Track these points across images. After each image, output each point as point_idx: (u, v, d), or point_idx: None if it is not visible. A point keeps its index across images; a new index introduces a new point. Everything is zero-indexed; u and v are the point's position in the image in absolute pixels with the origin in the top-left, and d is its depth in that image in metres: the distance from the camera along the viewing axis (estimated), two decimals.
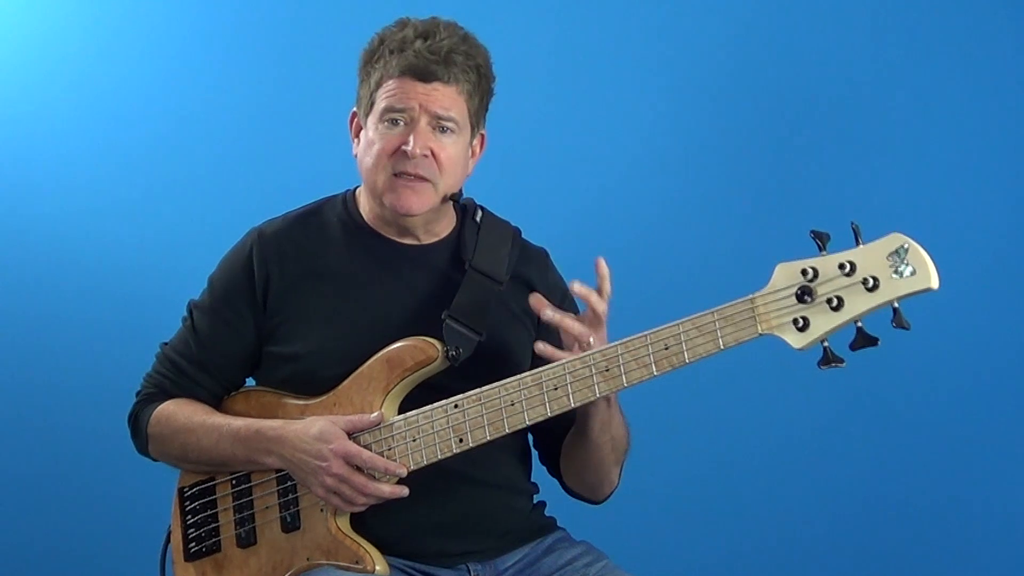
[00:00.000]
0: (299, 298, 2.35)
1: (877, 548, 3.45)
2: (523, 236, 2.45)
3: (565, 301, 2.41)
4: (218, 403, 2.41)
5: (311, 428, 2.24)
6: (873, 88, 3.49)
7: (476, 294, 2.32)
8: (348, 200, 2.43)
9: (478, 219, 2.40)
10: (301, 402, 2.34)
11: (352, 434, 2.24)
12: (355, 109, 2.37)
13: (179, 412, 2.37)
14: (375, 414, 2.24)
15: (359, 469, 2.21)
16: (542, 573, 2.34)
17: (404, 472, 2.22)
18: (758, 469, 3.50)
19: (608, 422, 2.27)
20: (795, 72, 3.53)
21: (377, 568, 2.25)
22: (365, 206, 2.40)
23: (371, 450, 2.23)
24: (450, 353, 2.26)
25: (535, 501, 2.45)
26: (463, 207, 2.42)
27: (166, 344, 2.45)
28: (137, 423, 2.44)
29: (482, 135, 2.40)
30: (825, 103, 3.53)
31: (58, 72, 3.74)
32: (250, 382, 2.44)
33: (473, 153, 2.39)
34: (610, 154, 3.58)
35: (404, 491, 2.21)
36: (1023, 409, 3.42)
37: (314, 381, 2.32)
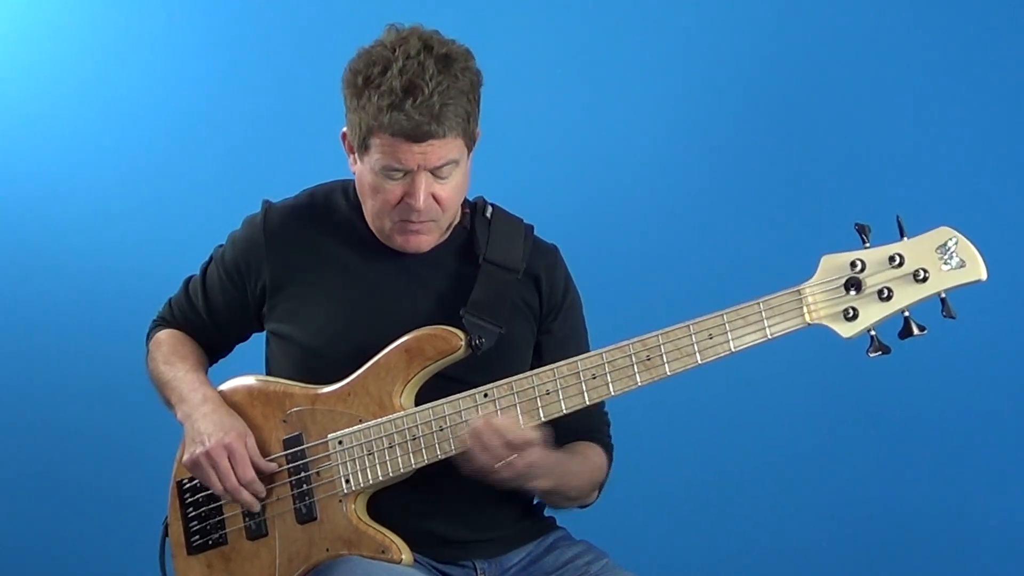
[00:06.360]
0: (302, 277, 2.34)
1: (877, 550, 3.46)
2: (535, 233, 2.44)
3: (566, 299, 2.43)
4: (213, 347, 2.50)
5: (228, 415, 2.30)
6: (884, 86, 3.47)
7: (493, 287, 2.32)
8: (351, 195, 2.39)
9: (488, 215, 2.39)
10: (311, 391, 2.31)
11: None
12: (345, 131, 2.31)
13: (167, 341, 2.47)
14: (272, 463, 2.30)
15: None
16: (544, 571, 2.35)
17: (257, 508, 2.29)
18: (758, 469, 3.50)
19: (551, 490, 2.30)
20: (806, 68, 3.50)
21: (403, 557, 2.24)
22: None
23: (393, 440, 2.23)
24: (474, 343, 2.25)
25: (535, 500, 2.44)
26: (472, 204, 2.41)
27: (191, 277, 2.51)
28: (147, 341, 2.53)
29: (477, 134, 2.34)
30: (837, 99, 3.50)
31: (57, 72, 3.68)
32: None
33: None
34: (620, 151, 3.55)
35: (256, 505, 2.29)
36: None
37: (324, 368, 2.30)
